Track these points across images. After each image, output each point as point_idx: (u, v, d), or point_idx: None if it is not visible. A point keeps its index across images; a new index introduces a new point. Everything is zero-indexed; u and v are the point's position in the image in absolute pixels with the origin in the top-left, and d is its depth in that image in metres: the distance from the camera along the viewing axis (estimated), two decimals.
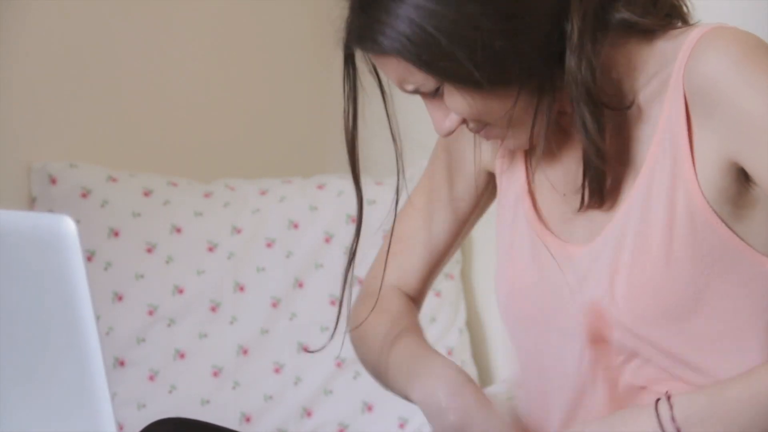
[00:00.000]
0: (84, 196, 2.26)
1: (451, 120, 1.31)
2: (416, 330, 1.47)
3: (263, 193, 2.38)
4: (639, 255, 1.29)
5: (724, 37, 1.24)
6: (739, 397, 1.22)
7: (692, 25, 1.31)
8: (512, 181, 1.44)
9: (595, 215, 1.34)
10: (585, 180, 1.30)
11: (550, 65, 1.26)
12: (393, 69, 1.28)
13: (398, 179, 1.44)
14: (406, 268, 1.56)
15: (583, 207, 1.32)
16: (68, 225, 0.93)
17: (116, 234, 2.26)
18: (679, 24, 1.33)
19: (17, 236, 0.96)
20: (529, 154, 1.42)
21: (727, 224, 1.26)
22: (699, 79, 1.24)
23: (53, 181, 2.26)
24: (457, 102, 1.28)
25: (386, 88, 1.37)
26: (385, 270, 1.55)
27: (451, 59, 1.23)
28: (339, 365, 2.32)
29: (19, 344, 0.99)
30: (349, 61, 1.36)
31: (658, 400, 1.23)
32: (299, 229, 2.35)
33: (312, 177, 2.44)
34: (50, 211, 2.24)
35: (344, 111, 1.39)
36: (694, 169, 1.26)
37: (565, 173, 1.37)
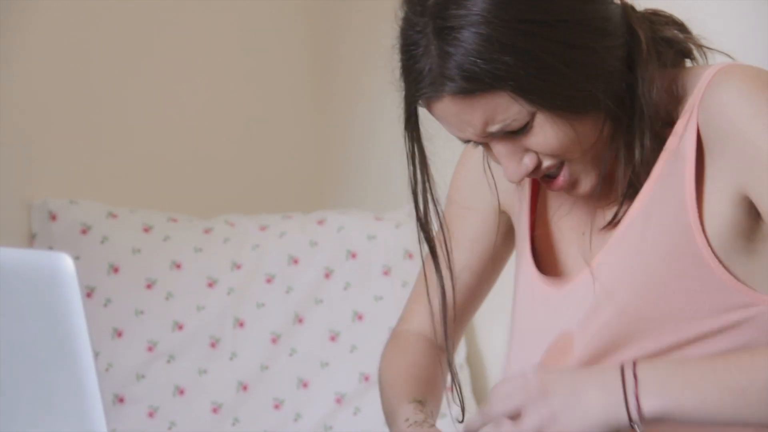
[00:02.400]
0: (84, 232, 2.26)
1: (530, 159, 1.27)
2: (416, 388, 1.45)
3: (263, 228, 2.38)
4: (627, 281, 1.29)
5: (736, 73, 1.26)
6: (699, 367, 1.21)
7: (708, 65, 1.33)
8: (521, 232, 1.43)
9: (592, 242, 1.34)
10: (625, 198, 1.30)
11: (623, 92, 1.27)
12: (482, 109, 1.24)
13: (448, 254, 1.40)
14: (428, 314, 1.53)
15: (613, 223, 1.32)
16: (66, 262, 0.93)
17: (116, 270, 2.26)
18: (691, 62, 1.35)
19: (15, 274, 0.96)
20: (537, 194, 1.42)
21: (724, 264, 1.27)
22: (712, 115, 1.26)
23: (53, 217, 2.26)
24: (547, 135, 1.25)
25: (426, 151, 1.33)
26: (408, 314, 1.54)
27: (556, 82, 1.23)
28: (339, 401, 2.31)
29: (17, 381, 0.99)
30: (412, 118, 1.30)
31: (622, 366, 1.21)
32: (299, 264, 2.35)
33: (312, 212, 2.44)
34: (50, 247, 2.24)
35: (410, 177, 1.32)
36: (699, 207, 1.27)
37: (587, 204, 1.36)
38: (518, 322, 1.42)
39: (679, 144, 1.28)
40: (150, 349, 2.25)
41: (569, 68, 1.22)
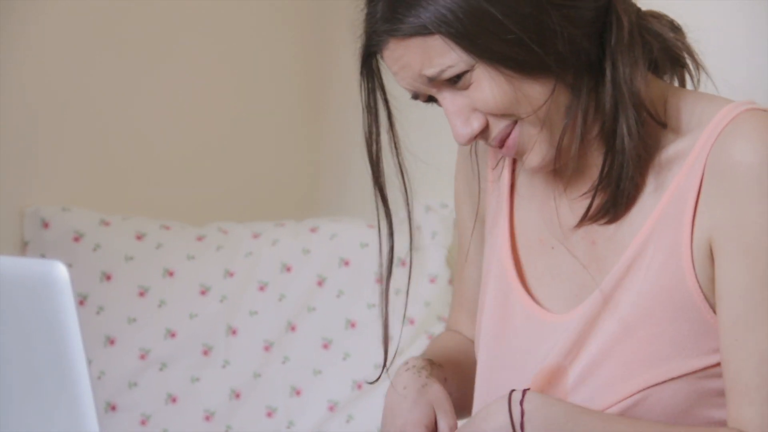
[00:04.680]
0: (76, 239, 2.26)
1: (477, 119, 1.24)
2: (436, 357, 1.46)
3: (256, 236, 2.38)
4: (616, 325, 1.26)
5: (762, 132, 1.21)
6: (593, 426, 1.20)
7: (721, 97, 1.29)
8: (497, 236, 1.40)
9: (583, 278, 1.31)
10: (600, 185, 1.26)
11: (586, 65, 1.23)
12: (419, 52, 1.22)
13: (409, 212, 1.40)
14: (455, 320, 1.54)
15: (588, 218, 1.28)
16: (61, 270, 0.93)
17: (109, 277, 2.26)
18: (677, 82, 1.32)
19: (9, 282, 0.96)
20: (515, 197, 1.40)
21: (711, 305, 1.24)
22: (724, 163, 1.22)
23: (46, 225, 2.26)
24: (487, 89, 1.22)
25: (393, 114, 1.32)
26: (448, 322, 1.56)
27: (495, 33, 1.19)
28: (331, 409, 2.31)
29: (10, 389, 0.99)
30: (367, 64, 1.30)
31: (512, 392, 1.21)
32: (292, 272, 2.35)
33: (304, 220, 2.44)
34: (43, 254, 2.24)
35: (364, 127, 1.32)
36: (692, 247, 1.24)
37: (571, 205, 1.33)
38: (497, 346, 1.38)
39: (684, 183, 1.24)
40: (142, 356, 2.25)
41: (508, 18, 1.19)
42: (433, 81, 1.24)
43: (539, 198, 1.37)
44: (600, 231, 1.30)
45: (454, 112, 1.25)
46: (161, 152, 2.52)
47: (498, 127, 1.25)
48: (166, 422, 2.24)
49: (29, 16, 2.29)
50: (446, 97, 1.25)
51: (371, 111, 1.31)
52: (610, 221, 1.28)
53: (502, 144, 1.27)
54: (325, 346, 2.33)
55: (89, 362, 0.94)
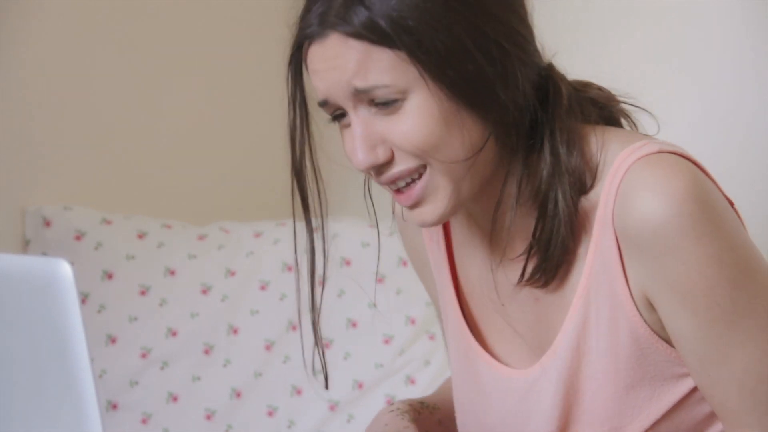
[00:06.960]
0: (78, 238, 2.26)
1: (384, 151, 1.17)
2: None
3: (257, 235, 2.38)
4: (591, 385, 1.26)
5: (656, 185, 1.16)
6: None
7: (622, 135, 1.25)
8: (446, 296, 1.39)
9: (535, 335, 1.30)
10: (532, 250, 1.23)
11: (523, 130, 1.20)
12: (358, 58, 1.14)
13: (322, 216, 1.36)
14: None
15: (524, 281, 1.25)
16: (64, 268, 0.93)
17: (110, 276, 2.26)
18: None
19: (13, 279, 0.96)
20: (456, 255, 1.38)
21: (670, 342, 1.23)
22: (629, 225, 1.17)
23: (47, 223, 2.26)
24: (414, 123, 1.15)
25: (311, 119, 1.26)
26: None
27: (449, 58, 1.13)
28: (332, 408, 2.31)
29: (14, 388, 0.99)
30: (297, 55, 1.22)
31: None
32: (293, 271, 2.35)
33: None
34: (44, 253, 2.24)
35: (289, 121, 1.24)
36: (632, 297, 1.21)
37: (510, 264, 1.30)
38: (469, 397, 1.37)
39: (599, 240, 1.21)
40: (144, 355, 2.25)
41: (479, 52, 1.14)
42: (357, 95, 1.16)
43: (480, 256, 1.34)
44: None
45: (362, 136, 1.18)
46: (163, 151, 2.52)
47: (402, 164, 1.18)
48: (167, 421, 2.24)
49: (29, 15, 2.30)
50: (360, 115, 1.17)
51: (296, 105, 1.25)
52: (545, 284, 1.25)
53: (398, 188, 1.20)
54: (326, 346, 2.33)
55: (91, 361, 0.94)
